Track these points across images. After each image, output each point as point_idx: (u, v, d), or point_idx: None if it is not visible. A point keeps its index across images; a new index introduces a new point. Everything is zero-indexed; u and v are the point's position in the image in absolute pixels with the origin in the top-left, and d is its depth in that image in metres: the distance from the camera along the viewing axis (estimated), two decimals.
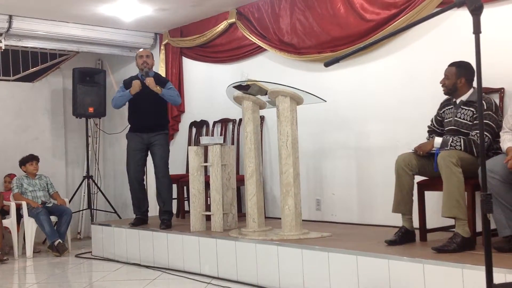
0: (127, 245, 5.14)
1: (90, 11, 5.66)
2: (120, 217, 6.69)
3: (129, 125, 5.30)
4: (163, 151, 5.12)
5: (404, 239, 3.58)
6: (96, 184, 6.99)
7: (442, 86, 3.65)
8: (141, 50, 5.30)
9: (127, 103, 5.20)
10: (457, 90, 3.60)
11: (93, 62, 7.43)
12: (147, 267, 4.79)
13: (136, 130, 5.15)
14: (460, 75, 3.56)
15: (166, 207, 5.09)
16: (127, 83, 5.16)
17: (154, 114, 5.11)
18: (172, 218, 5.15)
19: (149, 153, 5.18)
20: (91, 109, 6.70)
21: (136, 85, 5.04)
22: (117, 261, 5.14)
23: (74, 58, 7.11)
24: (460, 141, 3.44)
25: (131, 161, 5.14)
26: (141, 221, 5.20)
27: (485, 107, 3.41)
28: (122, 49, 6.73)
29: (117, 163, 7.34)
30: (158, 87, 5.01)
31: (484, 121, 3.41)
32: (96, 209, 7.04)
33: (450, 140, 3.47)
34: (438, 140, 3.53)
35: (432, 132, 3.83)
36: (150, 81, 4.99)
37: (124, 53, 6.78)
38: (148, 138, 5.09)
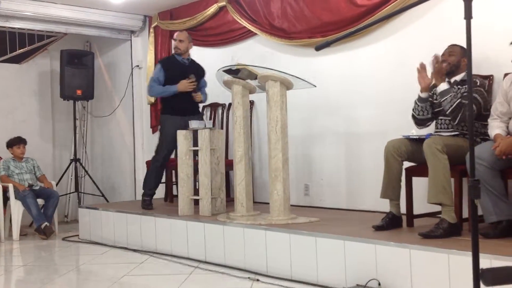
0: (114, 228, 5.13)
1: None
2: (107, 201, 6.67)
3: (163, 105, 5.19)
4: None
5: (391, 224, 3.60)
6: (83, 167, 6.96)
7: (443, 62, 3.57)
8: (176, 32, 5.14)
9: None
10: (458, 68, 3.58)
11: (81, 44, 7.34)
12: (135, 250, 4.78)
13: (174, 113, 4.97)
14: (464, 55, 3.54)
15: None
16: (166, 64, 5.02)
17: (191, 100, 5.02)
18: (160, 202, 5.14)
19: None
20: (79, 92, 6.63)
21: (185, 86, 4.90)
22: (104, 245, 5.12)
23: (62, 40, 7.02)
24: (454, 101, 3.43)
25: (169, 146, 4.98)
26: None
27: (478, 84, 3.42)
28: (111, 31, 6.66)
29: (105, 146, 7.30)
30: (200, 97, 5.05)
31: (475, 95, 3.43)
32: (84, 193, 7.02)
33: (451, 94, 3.45)
34: (444, 85, 3.49)
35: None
36: (198, 97, 5.01)
37: (112, 35, 6.71)
38: (182, 122, 4.88)
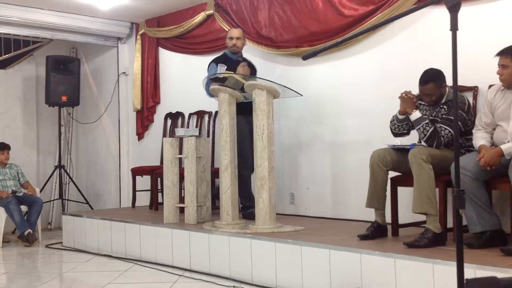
0: (98, 236, 5.08)
1: None
2: (92, 208, 6.62)
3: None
4: None
5: (376, 233, 3.61)
6: (68, 174, 6.91)
7: (428, 102, 3.61)
8: (231, 29, 4.86)
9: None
10: (442, 96, 3.60)
11: (68, 50, 7.30)
12: (119, 258, 4.74)
13: (243, 113, 4.50)
14: (440, 85, 3.55)
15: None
16: (218, 61, 4.69)
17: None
18: (145, 210, 5.07)
19: None
20: (64, 98, 6.59)
21: (244, 70, 4.53)
22: (88, 252, 5.07)
23: (48, 46, 6.97)
24: (427, 130, 3.47)
25: (249, 146, 4.42)
26: None
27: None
28: (98, 37, 6.63)
29: (90, 153, 7.25)
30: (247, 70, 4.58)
31: (449, 117, 3.47)
32: (68, 200, 6.96)
33: (425, 122, 3.49)
34: (416, 114, 3.54)
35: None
36: (243, 69, 4.53)
37: (99, 41, 6.68)
38: (250, 121, 4.47)
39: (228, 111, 4.30)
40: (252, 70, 4.72)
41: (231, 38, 4.71)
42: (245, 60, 4.74)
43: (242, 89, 4.29)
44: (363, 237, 3.59)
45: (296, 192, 4.99)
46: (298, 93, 4.20)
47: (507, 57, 3.20)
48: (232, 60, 4.70)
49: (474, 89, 3.78)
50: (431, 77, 3.56)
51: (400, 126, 3.71)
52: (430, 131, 3.48)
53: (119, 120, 6.78)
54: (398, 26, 4.20)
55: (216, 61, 4.74)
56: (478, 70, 3.68)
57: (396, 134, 3.78)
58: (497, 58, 3.25)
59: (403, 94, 3.62)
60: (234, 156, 4.33)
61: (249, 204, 4.61)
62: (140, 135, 6.55)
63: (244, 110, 4.47)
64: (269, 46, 5.11)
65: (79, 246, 5.27)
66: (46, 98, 6.55)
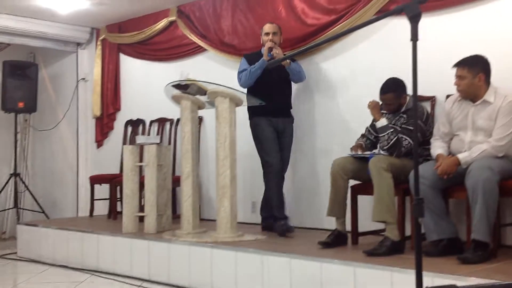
0: (54, 246, 4.95)
1: (25, 2, 5.43)
2: (48, 217, 6.43)
3: (250, 109, 4.37)
4: (291, 142, 4.43)
5: (337, 241, 3.63)
6: (23, 182, 6.70)
7: (387, 110, 3.68)
8: (266, 25, 4.41)
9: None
10: (401, 106, 3.67)
11: (25, 55, 7.11)
12: (75, 269, 4.62)
13: (265, 114, 4.27)
14: (399, 95, 3.63)
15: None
16: (251, 58, 4.35)
17: (283, 96, 4.38)
18: (103, 219, 4.98)
19: None
20: (21, 104, 6.40)
21: (267, 45, 4.23)
22: (44, 263, 4.93)
23: (5, 50, 6.78)
24: (391, 138, 3.52)
25: (273, 149, 4.23)
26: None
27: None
28: (57, 42, 6.49)
29: (47, 160, 7.07)
30: (287, 60, 4.23)
31: (409, 127, 3.53)
32: (23, 208, 6.74)
33: (390, 130, 3.55)
34: (383, 121, 3.59)
35: (364, 137, 3.88)
36: (278, 52, 4.19)
37: (58, 47, 6.55)
38: (277, 123, 4.32)
39: (190, 118, 4.26)
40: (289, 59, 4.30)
41: (267, 34, 4.31)
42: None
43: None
44: (324, 245, 3.60)
45: (258, 200, 4.96)
46: (260, 100, 4.20)
47: (464, 69, 3.28)
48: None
49: (432, 99, 3.86)
50: (391, 87, 3.63)
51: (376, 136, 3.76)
52: (393, 140, 3.52)
53: (77, 127, 6.63)
54: (360, 35, 4.25)
55: (247, 56, 4.43)
56: (436, 80, 3.75)
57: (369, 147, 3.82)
58: (455, 69, 3.32)
59: (369, 103, 3.68)
60: (196, 164, 4.29)
61: (282, 215, 4.24)
62: (99, 143, 6.43)
63: (269, 112, 4.23)
64: (232, 53, 5.10)
65: (34, 256, 5.12)
66: (2, 104, 6.35)
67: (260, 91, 4.23)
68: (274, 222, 4.31)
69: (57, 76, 7.01)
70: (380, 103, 3.69)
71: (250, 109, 4.36)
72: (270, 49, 4.20)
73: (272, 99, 4.19)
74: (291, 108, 4.48)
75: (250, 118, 4.40)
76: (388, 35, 4.14)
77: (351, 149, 3.72)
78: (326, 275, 3.19)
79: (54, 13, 5.78)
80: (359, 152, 3.67)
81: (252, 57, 4.37)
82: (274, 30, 4.33)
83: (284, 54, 4.26)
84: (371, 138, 3.84)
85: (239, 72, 4.36)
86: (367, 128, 3.88)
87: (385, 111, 3.72)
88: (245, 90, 4.34)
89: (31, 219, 6.45)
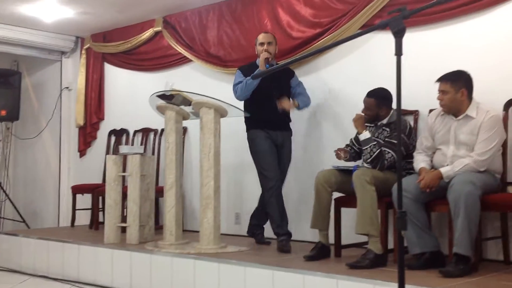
0: (35, 256, 4.87)
1: (9, 10, 5.39)
2: (28, 227, 6.35)
3: (247, 121, 4.27)
4: (290, 156, 4.30)
5: (320, 254, 3.63)
6: (4, 191, 6.61)
7: (365, 115, 3.72)
8: (261, 34, 4.25)
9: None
10: (379, 117, 3.71)
11: (8, 63, 7.05)
12: (55, 279, 4.56)
13: (263, 126, 4.16)
14: (380, 105, 3.67)
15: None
16: (246, 70, 4.17)
17: (278, 111, 4.17)
18: (84, 229, 4.93)
19: None
20: (3, 112, 6.34)
21: (262, 56, 4.09)
22: (24, 273, 4.84)
23: None
24: (374, 151, 3.55)
25: (272, 164, 4.11)
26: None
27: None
28: (41, 51, 6.45)
29: (28, 169, 6.99)
30: (295, 102, 4.21)
31: (392, 140, 3.56)
32: (3, 218, 6.66)
33: (373, 143, 3.58)
34: (366, 134, 3.62)
35: (349, 147, 3.91)
36: (285, 104, 4.12)
37: (42, 55, 6.50)
38: (276, 137, 4.19)
39: (175, 129, 4.25)
40: (288, 75, 4.30)
41: (262, 44, 4.15)
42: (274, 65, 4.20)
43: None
44: (309, 258, 3.59)
45: (241, 211, 4.96)
46: (245, 112, 4.20)
47: (447, 83, 3.32)
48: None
49: (415, 113, 3.90)
50: (377, 93, 3.68)
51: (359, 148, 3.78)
52: (376, 153, 3.55)
53: (60, 136, 6.58)
54: (344, 49, 4.29)
55: (241, 69, 4.29)
56: (419, 95, 3.79)
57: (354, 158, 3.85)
58: (438, 84, 3.36)
59: (354, 117, 3.72)
60: (180, 174, 4.27)
61: (282, 231, 4.09)
62: (82, 152, 6.38)
63: (267, 124, 4.14)
64: (218, 64, 5.11)
65: (14, 266, 5.03)
66: None
67: (258, 103, 4.16)
68: (263, 235, 4.39)
69: (41, 84, 6.95)
70: (363, 114, 3.72)
71: (248, 121, 4.26)
72: (267, 60, 4.09)
73: (270, 112, 4.11)
74: (290, 121, 4.33)
75: (247, 130, 4.27)
76: (372, 49, 4.18)
77: (335, 152, 3.74)
78: (309, 287, 3.18)
79: (38, 22, 5.74)
80: (342, 155, 3.70)
81: (247, 69, 4.21)
82: (269, 39, 4.18)
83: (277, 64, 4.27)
84: (355, 149, 3.87)
85: (235, 85, 4.23)
86: (351, 139, 3.91)
87: (368, 124, 3.74)
88: (241, 103, 4.30)
89: (12, 229, 6.37)
